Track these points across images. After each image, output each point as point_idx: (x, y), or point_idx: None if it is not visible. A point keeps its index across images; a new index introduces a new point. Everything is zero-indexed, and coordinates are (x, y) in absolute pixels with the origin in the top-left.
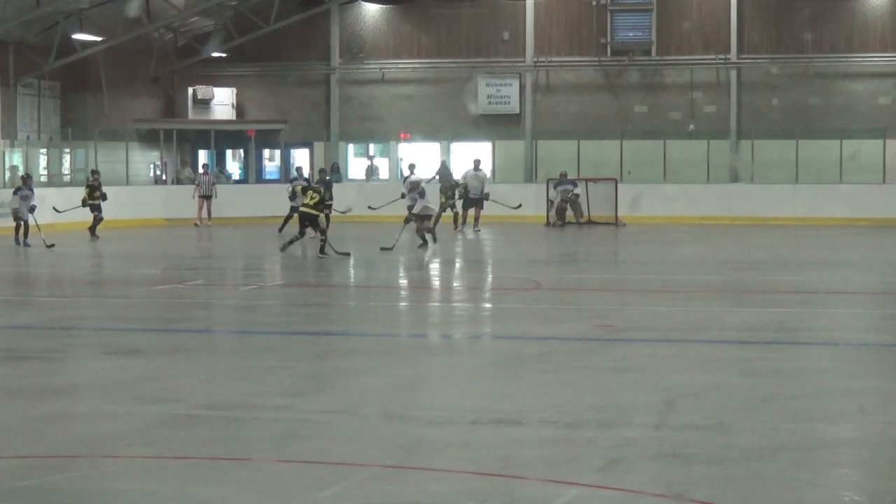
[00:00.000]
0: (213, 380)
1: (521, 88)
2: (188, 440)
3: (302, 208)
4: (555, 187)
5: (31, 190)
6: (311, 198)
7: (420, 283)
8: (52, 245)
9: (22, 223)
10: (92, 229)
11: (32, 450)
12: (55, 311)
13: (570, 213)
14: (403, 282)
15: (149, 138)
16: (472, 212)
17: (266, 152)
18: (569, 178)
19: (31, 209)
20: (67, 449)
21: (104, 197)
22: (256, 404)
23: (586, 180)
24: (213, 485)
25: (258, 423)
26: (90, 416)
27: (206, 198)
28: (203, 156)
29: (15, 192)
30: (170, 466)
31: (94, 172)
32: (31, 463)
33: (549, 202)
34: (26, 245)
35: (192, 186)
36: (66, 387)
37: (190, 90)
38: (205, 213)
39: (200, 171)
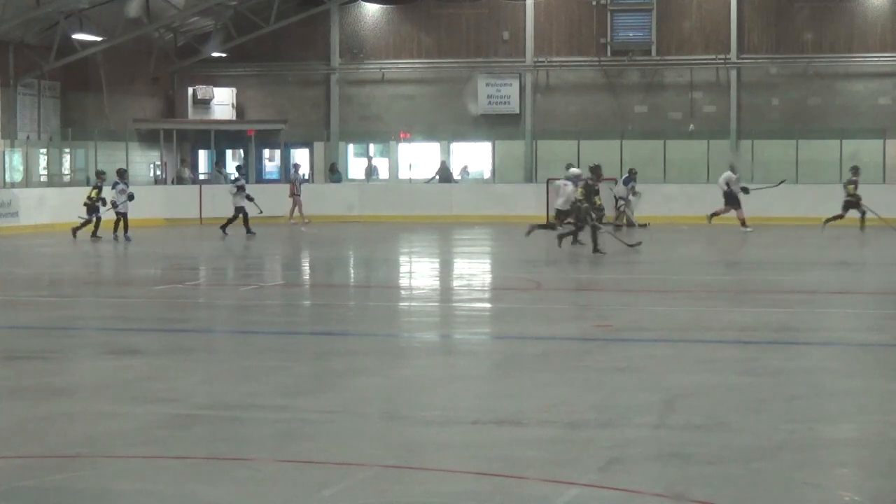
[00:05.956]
0: (213, 380)
1: (521, 88)
2: (188, 440)
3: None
4: (626, 184)
5: (126, 184)
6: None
7: (420, 284)
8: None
9: (121, 217)
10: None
11: (33, 450)
12: (55, 311)
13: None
14: (404, 282)
15: (149, 138)
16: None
17: (266, 152)
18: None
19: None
20: (67, 449)
21: (104, 202)
22: (256, 404)
23: (587, 180)
24: (213, 485)
25: (258, 423)
26: (90, 416)
27: (297, 196)
28: (227, 155)
29: (113, 187)
30: (170, 466)
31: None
32: (32, 463)
33: (620, 199)
34: (127, 239)
35: (288, 185)
36: (66, 387)
37: (190, 90)
38: (297, 212)
39: (292, 169)
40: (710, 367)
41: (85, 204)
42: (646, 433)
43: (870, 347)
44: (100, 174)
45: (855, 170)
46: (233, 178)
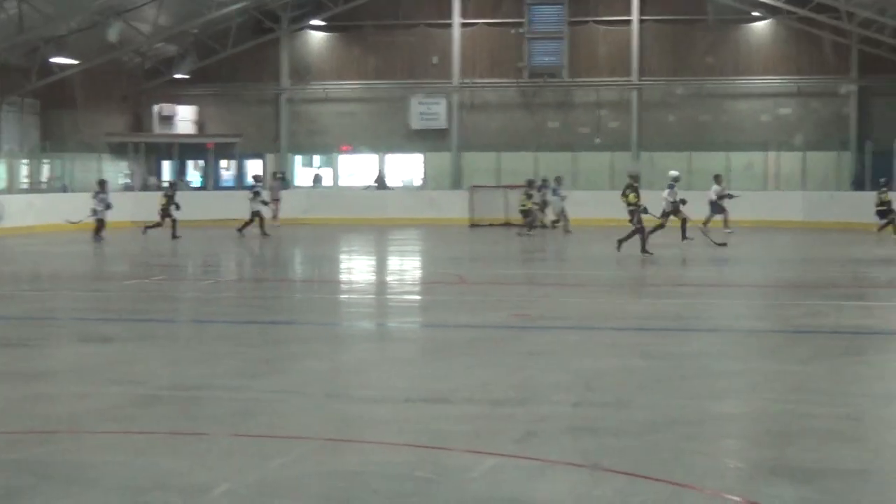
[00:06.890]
0: (176, 363)
1: (449, 106)
2: (153, 417)
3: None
4: (554, 193)
5: (107, 193)
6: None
7: (359, 278)
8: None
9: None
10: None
11: (17, 426)
12: (37, 303)
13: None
14: (345, 277)
15: (119, 150)
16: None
17: (223, 162)
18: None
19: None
20: (47, 425)
21: (178, 206)
22: (214, 385)
23: (506, 187)
24: (176, 457)
25: (215, 402)
26: (68, 397)
27: (277, 201)
28: (188, 165)
29: (94, 195)
30: (137, 440)
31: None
32: (16, 438)
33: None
34: (99, 240)
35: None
36: (47, 370)
37: (155, 108)
38: (271, 215)
39: (269, 178)
40: (615, 351)
41: (160, 211)
42: (558, 409)
43: (753, 333)
44: (172, 184)
45: (887, 181)
46: (250, 184)
